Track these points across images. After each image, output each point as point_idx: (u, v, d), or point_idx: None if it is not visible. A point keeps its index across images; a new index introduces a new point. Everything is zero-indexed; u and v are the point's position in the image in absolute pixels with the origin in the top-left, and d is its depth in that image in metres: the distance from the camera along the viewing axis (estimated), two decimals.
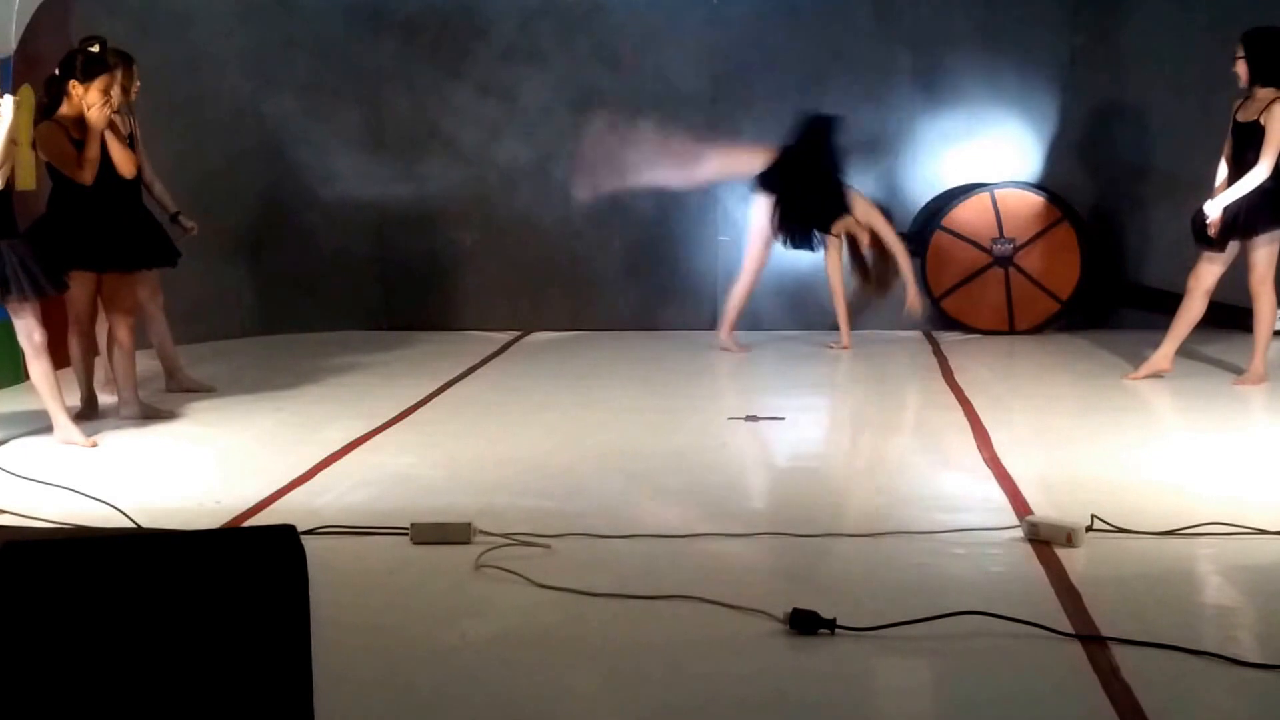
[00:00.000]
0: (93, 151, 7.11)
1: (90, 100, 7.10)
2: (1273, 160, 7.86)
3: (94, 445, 6.82)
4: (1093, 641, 4.09)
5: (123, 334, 7.42)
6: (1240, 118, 8.03)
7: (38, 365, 6.80)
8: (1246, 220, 7.95)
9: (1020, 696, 3.85)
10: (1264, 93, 7.94)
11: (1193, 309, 8.27)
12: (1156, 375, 8.33)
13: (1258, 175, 7.88)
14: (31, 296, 6.74)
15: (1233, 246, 8.11)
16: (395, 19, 10.63)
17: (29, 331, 6.77)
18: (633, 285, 10.70)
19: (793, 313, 10.59)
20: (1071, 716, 3.73)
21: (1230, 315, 10.15)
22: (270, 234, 9.76)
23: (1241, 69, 7.99)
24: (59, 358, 7.11)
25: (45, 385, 6.81)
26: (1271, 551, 4.99)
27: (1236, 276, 10.22)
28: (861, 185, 10.58)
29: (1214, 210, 8.01)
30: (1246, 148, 7.94)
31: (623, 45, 10.57)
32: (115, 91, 7.26)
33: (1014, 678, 3.95)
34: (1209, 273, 8.22)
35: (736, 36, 10.55)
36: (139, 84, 7.92)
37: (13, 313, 6.79)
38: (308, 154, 10.43)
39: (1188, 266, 9.42)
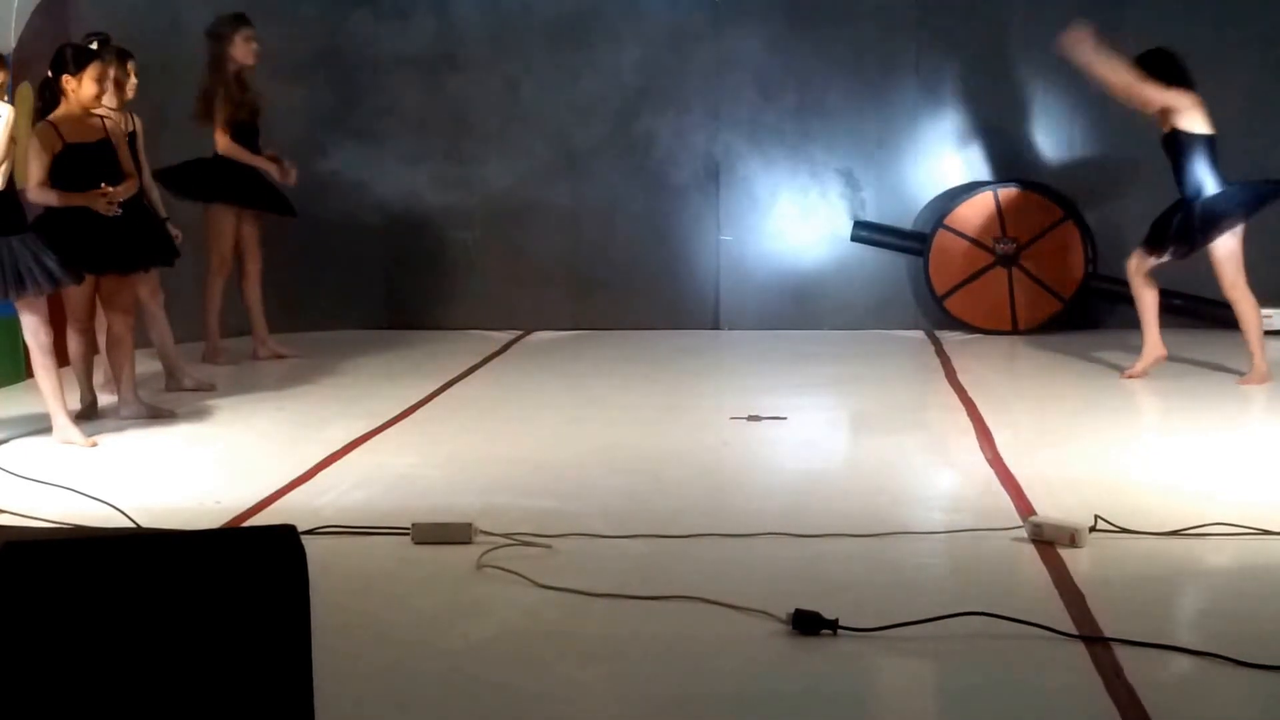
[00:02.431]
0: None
1: (85, 91, 7.06)
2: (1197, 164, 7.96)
3: (93, 445, 6.80)
4: (1096, 642, 4.08)
5: (122, 332, 7.40)
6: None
7: (42, 364, 6.79)
8: (1192, 232, 7.99)
9: (1023, 697, 3.83)
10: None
11: (1146, 297, 8.30)
12: (1156, 364, 8.32)
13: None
14: (48, 289, 6.74)
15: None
16: (397, 16, 10.61)
17: (35, 329, 6.77)
18: (633, 285, 10.69)
19: (796, 312, 10.58)
20: (1074, 718, 3.72)
21: (1230, 314, 10.14)
22: (270, 233, 9.74)
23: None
24: (58, 357, 7.09)
25: (47, 384, 6.80)
26: (1275, 552, 4.97)
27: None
28: (862, 184, 10.59)
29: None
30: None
31: (626, 51, 10.55)
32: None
33: (1017, 678, 3.94)
34: (1144, 262, 8.26)
35: (739, 35, 10.53)
36: (135, 80, 7.89)
37: (23, 309, 6.77)
38: (307, 153, 10.41)
39: (1190, 265, 9.40)
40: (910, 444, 6.94)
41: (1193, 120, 7.94)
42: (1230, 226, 8.01)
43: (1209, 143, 7.98)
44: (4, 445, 6.85)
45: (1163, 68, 7.97)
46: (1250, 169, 10.26)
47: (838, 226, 10.56)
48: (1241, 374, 8.28)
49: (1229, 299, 8.18)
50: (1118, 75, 7.99)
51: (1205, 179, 7.98)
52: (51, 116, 7.11)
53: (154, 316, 8.09)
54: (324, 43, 10.60)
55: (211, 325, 9.22)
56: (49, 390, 6.81)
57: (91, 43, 7.47)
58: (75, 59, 7.07)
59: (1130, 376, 8.36)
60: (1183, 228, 8.02)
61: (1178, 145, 7.99)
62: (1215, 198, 7.98)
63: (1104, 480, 6.00)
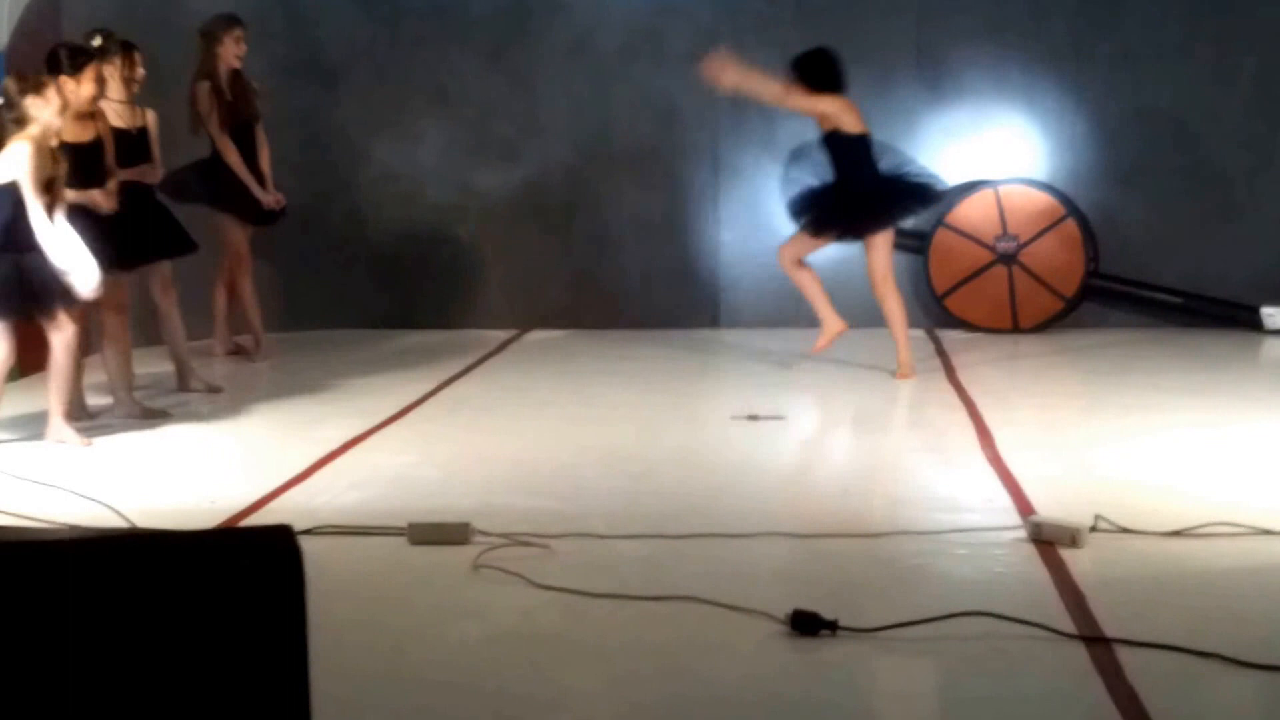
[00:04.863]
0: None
1: (84, 92, 7.03)
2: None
3: (88, 445, 6.78)
4: (1096, 642, 4.07)
5: (116, 331, 7.36)
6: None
7: (60, 361, 6.77)
8: (856, 221, 8.29)
9: (1023, 698, 3.82)
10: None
11: (804, 278, 8.53)
12: (837, 337, 8.57)
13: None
14: (75, 303, 6.71)
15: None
16: (396, 17, 10.60)
17: (57, 326, 6.75)
18: (631, 283, 10.66)
19: (796, 311, 10.55)
20: (1075, 718, 3.71)
21: (1232, 313, 10.13)
22: (266, 232, 9.72)
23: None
24: (38, 361, 7.06)
25: (56, 382, 6.77)
26: (1276, 552, 4.96)
27: (1229, 273, 10.22)
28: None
29: None
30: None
31: (624, 49, 10.52)
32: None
33: (1017, 679, 3.92)
34: (803, 247, 8.46)
35: (739, 32, 10.51)
36: (142, 72, 7.80)
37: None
38: (304, 151, 10.40)
39: (1194, 263, 9.41)
40: (910, 443, 6.92)
41: (845, 122, 8.16)
42: (890, 222, 8.35)
43: (864, 141, 8.21)
44: (3, 445, 6.83)
45: (814, 73, 8.21)
46: (1252, 162, 10.28)
47: None
48: (1243, 372, 8.26)
49: (877, 294, 8.43)
50: (768, 90, 8.27)
51: (864, 175, 8.22)
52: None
53: (165, 314, 8.03)
54: (323, 44, 10.58)
55: (254, 323, 9.27)
56: (55, 388, 6.78)
57: (94, 39, 7.45)
58: (71, 60, 7.04)
59: (816, 352, 8.61)
60: (847, 215, 8.29)
61: (835, 145, 8.19)
62: (879, 194, 8.26)
63: (1104, 479, 5.98)
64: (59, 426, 6.80)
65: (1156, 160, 10.36)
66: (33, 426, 7.04)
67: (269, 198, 9.05)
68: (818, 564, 4.93)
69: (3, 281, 6.57)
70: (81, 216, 7.03)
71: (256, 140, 9.09)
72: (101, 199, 7.09)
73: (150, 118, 7.89)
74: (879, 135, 10.50)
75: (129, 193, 7.36)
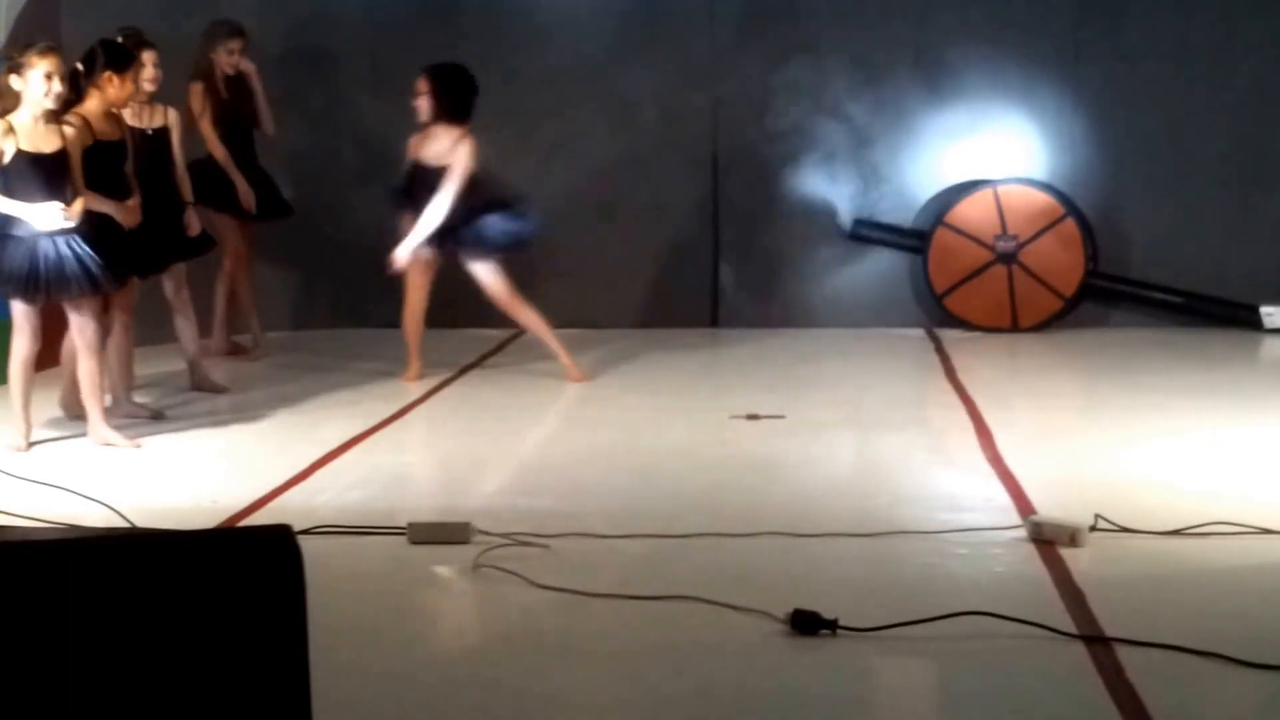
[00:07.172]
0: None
1: (124, 93, 7.03)
2: (451, 195, 8.11)
3: (137, 446, 6.75)
4: (1096, 642, 4.07)
5: (119, 331, 7.35)
6: (424, 158, 8.24)
7: (86, 363, 6.74)
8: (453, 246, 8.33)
9: (1023, 697, 3.82)
10: (447, 131, 8.22)
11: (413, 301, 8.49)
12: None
13: (439, 209, 8.12)
14: (102, 289, 6.68)
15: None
16: (402, 10, 10.59)
17: (82, 326, 6.71)
18: (630, 282, 10.66)
19: (795, 310, 10.56)
20: (1075, 717, 3.71)
21: (1232, 312, 10.13)
22: (266, 231, 9.71)
23: (424, 105, 8.25)
24: (47, 358, 7.03)
25: (88, 383, 6.75)
26: (1276, 551, 4.96)
27: (1229, 273, 10.22)
28: (865, 183, 10.56)
29: (403, 254, 8.18)
30: (428, 189, 8.15)
31: (625, 47, 10.52)
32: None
33: (1017, 678, 3.92)
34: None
35: (740, 31, 10.51)
36: (151, 71, 7.73)
37: (72, 307, 6.72)
38: (304, 149, 10.39)
39: (1194, 262, 9.38)
40: (910, 443, 6.91)
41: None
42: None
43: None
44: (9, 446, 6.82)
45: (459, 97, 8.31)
46: (1251, 161, 10.28)
47: (838, 224, 10.54)
48: (1242, 372, 8.25)
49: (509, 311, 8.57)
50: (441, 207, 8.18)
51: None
52: (80, 110, 6.91)
53: (178, 313, 8.01)
54: (328, 43, 10.57)
55: (253, 323, 9.32)
56: (89, 390, 6.75)
57: (128, 34, 7.46)
58: (115, 58, 7.00)
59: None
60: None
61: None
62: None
63: (1104, 479, 5.98)
64: (99, 426, 6.76)
65: (1156, 160, 10.36)
66: (41, 426, 7.03)
67: (250, 197, 9.00)
68: (818, 564, 4.93)
69: (16, 265, 6.55)
70: (101, 222, 6.97)
71: (255, 144, 9.11)
72: (123, 213, 7.01)
73: (172, 117, 7.87)
74: (880, 135, 10.56)
75: (148, 194, 7.34)
